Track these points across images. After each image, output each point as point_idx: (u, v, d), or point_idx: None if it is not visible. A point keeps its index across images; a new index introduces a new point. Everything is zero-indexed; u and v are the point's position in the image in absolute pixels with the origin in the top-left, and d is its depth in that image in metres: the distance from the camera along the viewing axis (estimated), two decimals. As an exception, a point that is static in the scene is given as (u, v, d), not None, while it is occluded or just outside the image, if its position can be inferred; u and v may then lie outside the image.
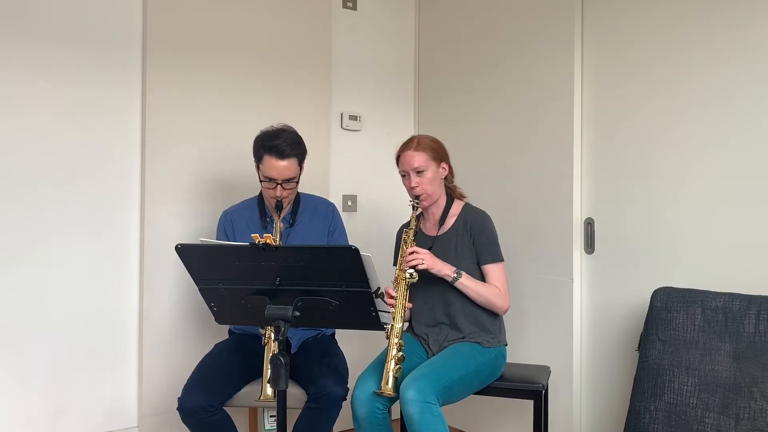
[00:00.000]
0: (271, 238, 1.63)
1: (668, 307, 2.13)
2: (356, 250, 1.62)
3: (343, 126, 3.27)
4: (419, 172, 2.27)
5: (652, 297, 2.20)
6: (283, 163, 2.24)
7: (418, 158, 2.27)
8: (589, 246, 2.64)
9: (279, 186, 2.25)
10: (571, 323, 2.66)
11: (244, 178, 2.86)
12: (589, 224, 2.64)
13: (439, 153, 2.32)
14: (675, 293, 2.15)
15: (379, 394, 2.04)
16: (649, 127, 2.43)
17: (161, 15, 2.73)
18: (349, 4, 3.30)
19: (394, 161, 2.37)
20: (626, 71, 2.51)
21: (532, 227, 2.79)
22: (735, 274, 2.15)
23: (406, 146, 2.33)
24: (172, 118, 2.75)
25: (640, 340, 2.22)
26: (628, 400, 2.18)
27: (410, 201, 2.32)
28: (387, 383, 2.04)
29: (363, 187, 3.33)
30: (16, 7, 2.49)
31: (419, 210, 2.34)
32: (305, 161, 2.37)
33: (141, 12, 2.72)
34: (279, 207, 2.28)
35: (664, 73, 2.38)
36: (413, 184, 2.27)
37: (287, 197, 2.31)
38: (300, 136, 2.33)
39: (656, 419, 2.03)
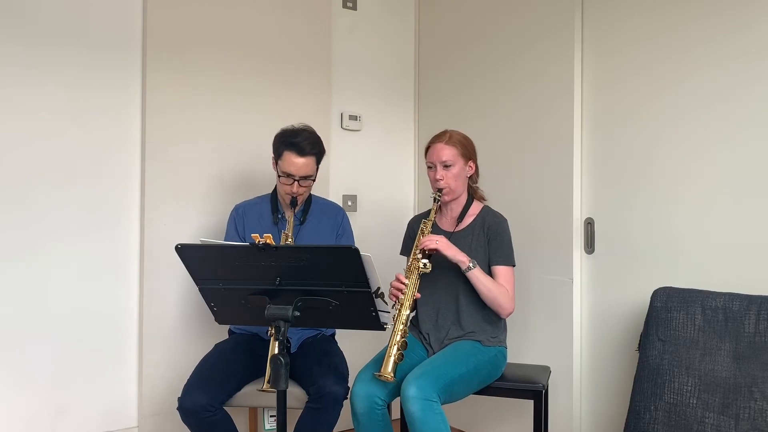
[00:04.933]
0: (272, 239, 1.63)
1: (668, 307, 2.13)
2: (356, 250, 1.62)
3: (343, 126, 3.27)
4: (446, 166, 2.28)
5: (652, 297, 2.20)
6: (302, 161, 2.30)
7: (447, 152, 2.28)
8: (589, 246, 2.64)
9: (296, 182, 2.32)
10: (571, 323, 2.66)
11: (244, 177, 2.86)
12: (589, 224, 2.64)
13: (468, 150, 2.34)
14: (675, 293, 2.15)
15: (378, 377, 2.03)
16: (649, 127, 2.43)
17: (161, 15, 2.73)
18: (349, 4, 3.30)
19: (423, 153, 2.36)
20: (626, 71, 2.51)
21: (532, 227, 2.79)
22: (735, 274, 2.15)
23: (437, 138, 2.33)
24: (172, 118, 2.75)
25: (640, 340, 2.22)
26: (628, 400, 2.18)
27: (432, 193, 2.32)
28: (387, 367, 2.02)
29: (363, 187, 3.33)
30: (16, 7, 2.49)
31: (439, 203, 2.33)
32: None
33: (141, 12, 2.72)
34: (293, 203, 2.35)
35: (664, 73, 2.38)
36: (438, 177, 2.28)
37: (302, 194, 2.37)
38: (319, 137, 2.39)
39: (656, 419, 2.03)
